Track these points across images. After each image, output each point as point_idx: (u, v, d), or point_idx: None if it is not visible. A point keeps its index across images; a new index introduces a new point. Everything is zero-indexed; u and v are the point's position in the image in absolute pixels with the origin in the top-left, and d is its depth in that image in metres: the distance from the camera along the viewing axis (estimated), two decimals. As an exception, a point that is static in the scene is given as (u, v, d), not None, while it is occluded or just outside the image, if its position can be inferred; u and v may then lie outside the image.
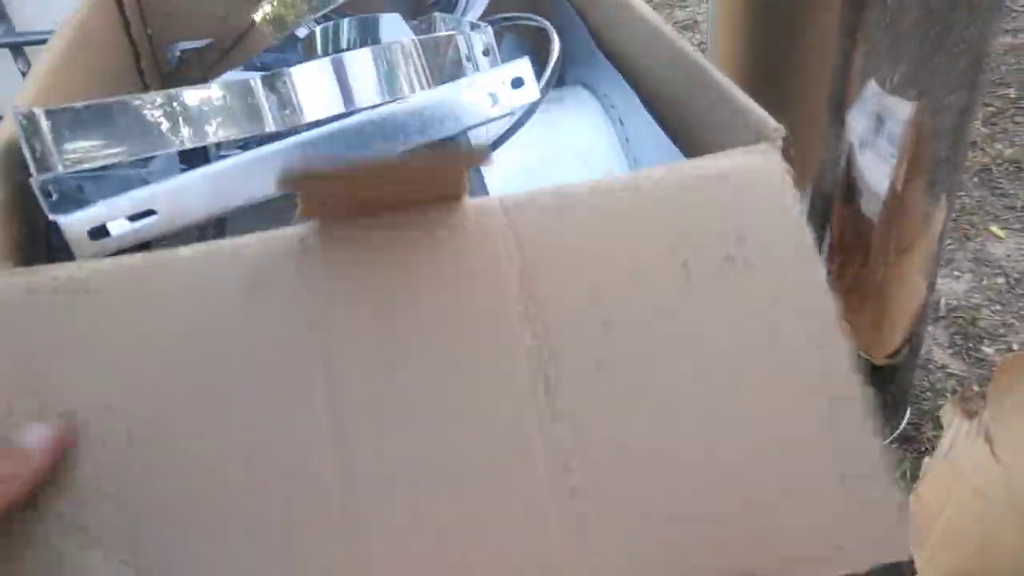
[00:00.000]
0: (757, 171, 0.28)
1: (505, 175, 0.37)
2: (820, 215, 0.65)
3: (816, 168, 0.63)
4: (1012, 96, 1.27)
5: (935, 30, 0.55)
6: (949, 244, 0.96)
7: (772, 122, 0.28)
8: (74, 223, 0.29)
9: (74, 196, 0.31)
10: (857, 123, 0.60)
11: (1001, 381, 0.67)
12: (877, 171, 0.62)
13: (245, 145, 0.36)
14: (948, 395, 0.79)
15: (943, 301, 0.90)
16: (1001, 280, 0.93)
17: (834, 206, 0.64)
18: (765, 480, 0.25)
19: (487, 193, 0.35)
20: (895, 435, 0.75)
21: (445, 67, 0.37)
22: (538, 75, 0.34)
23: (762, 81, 0.63)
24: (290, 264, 0.25)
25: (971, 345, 0.85)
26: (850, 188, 0.63)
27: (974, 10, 0.55)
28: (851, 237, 0.65)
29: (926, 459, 0.62)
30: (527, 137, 0.36)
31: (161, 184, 0.30)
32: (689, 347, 0.26)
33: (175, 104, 0.33)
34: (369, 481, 0.24)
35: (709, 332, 0.26)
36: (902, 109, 0.59)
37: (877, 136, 0.61)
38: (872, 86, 0.58)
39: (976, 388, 0.65)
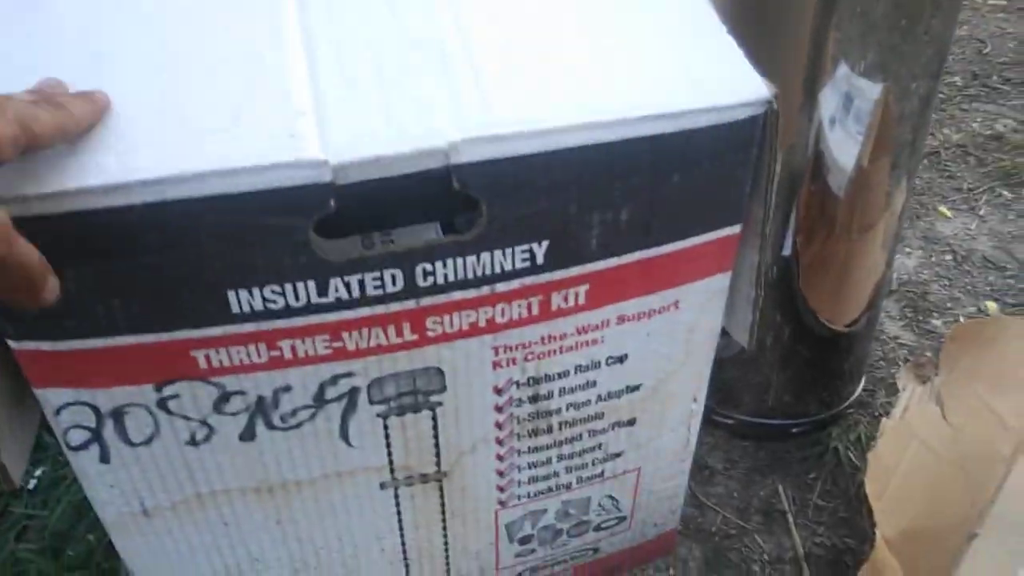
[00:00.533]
0: None
1: None
2: (787, 192, 0.68)
3: (786, 146, 0.66)
4: (959, 84, 1.33)
5: (903, 21, 0.59)
6: (901, 223, 1.00)
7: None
8: None
9: None
10: (828, 102, 0.63)
11: (951, 349, 0.72)
12: (844, 149, 0.65)
13: None
14: (900, 364, 0.84)
15: (895, 276, 0.95)
16: (949, 257, 0.99)
17: (802, 184, 0.67)
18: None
19: None
20: (851, 400, 0.80)
21: None
22: None
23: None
24: None
25: (921, 318, 0.91)
26: (818, 165, 0.66)
27: (939, 4, 0.58)
28: (816, 214, 0.68)
29: (882, 420, 0.66)
30: None
31: None
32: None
33: None
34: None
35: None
36: (871, 90, 0.62)
37: (846, 115, 0.64)
38: (843, 67, 0.62)
39: (928, 355, 0.70)
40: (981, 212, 1.06)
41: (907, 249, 1.00)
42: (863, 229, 0.70)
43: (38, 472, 0.75)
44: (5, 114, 0.30)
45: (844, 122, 0.65)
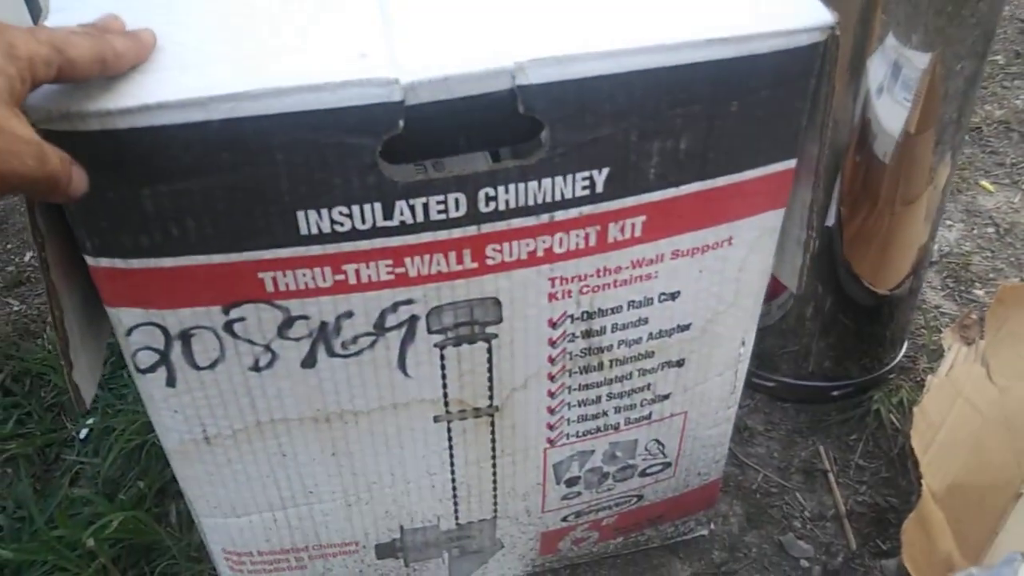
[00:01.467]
0: None
1: None
2: (832, 165, 0.68)
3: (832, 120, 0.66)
4: (1001, 63, 1.32)
5: (950, 5, 0.59)
6: (942, 196, 1.00)
7: None
8: None
9: None
10: (875, 70, 0.63)
11: (997, 311, 0.71)
12: (892, 115, 0.65)
13: None
14: (942, 332, 0.83)
15: (936, 248, 0.95)
16: (991, 230, 0.98)
17: (847, 156, 0.67)
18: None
19: None
20: (893, 365, 0.79)
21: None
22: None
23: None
24: None
25: (963, 288, 0.90)
26: (864, 136, 0.66)
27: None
28: (860, 187, 0.68)
29: (928, 377, 0.66)
30: None
31: None
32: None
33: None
34: None
35: None
36: (919, 59, 0.62)
37: (894, 82, 0.64)
38: (891, 38, 0.62)
39: (973, 317, 0.70)
40: (1024, 186, 1.05)
41: (948, 222, 0.99)
42: (906, 202, 0.70)
43: (90, 421, 0.77)
44: (38, 36, 0.31)
45: (892, 90, 0.65)
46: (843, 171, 0.67)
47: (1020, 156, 1.10)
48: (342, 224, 0.39)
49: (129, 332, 0.42)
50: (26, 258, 1.01)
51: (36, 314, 0.92)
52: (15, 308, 0.93)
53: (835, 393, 0.78)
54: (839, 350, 0.77)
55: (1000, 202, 1.02)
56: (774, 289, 0.76)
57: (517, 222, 0.41)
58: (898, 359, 0.80)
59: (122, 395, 0.80)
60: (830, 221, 0.70)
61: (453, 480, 0.53)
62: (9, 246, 1.04)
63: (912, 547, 0.56)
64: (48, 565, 0.64)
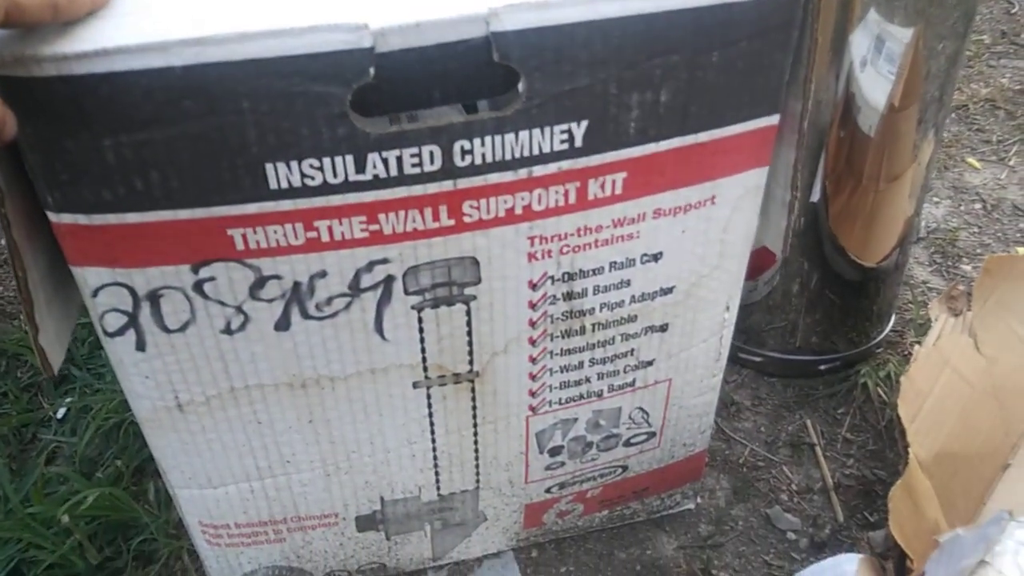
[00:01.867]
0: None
1: None
2: (816, 142, 0.67)
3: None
4: (986, 42, 1.32)
5: None
6: (930, 173, 0.99)
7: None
8: None
9: None
10: (859, 44, 0.63)
11: (984, 282, 0.71)
12: (876, 89, 0.65)
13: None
14: (928, 306, 0.83)
15: (923, 224, 0.94)
16: (978, 206, 0.97)
17: (831, 131, 0.67)
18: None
19: None
20: (880, 339, 0.79)
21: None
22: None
23: None
24: None
25: (950, 263, 0.90)
26: (847, 110, 0.65)
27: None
28: (844, 164, 0.68)
29: (915, 347, 0.65)
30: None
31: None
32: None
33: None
34: None
35: None
36: (902, 33, 0.62)
37: (877, 55, 0.64)
38: (873, 13, 0.61)
39: (961, 288, 0.69)
40: (1011, 163, 1.04)
41: (935, 199, 0.99)
42: (891, 178, 0.69)
43: (67, 401, 0.76)
44: None
45: (876, 63, 0.64)
46: (827, 147, 0.67)
47: (1006, 133, 1.10)
48: (313, 178, 0.38)
49: (95, 293, 0.41)
50: (1, 242, 0.99)
51: (12, 296, 0.91)
52: (-8, 289, 0.92)
53: (822, 367, 0.78)
54: (826, 325, 0.76)
55: (987, 179, 1.02)
56: (760, 265, 0.75)
57: (494, 177, 0.40)
58: (885, 333, 0.79)
59: (100, 374, 0.78)
60: (815, 197, 0.70)
61: (434, 449, 0.52)
62: (-14, 228, 1.02)
63: (899, 514, 0.55)
64: (23, 543, 0.62)
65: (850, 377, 0.77)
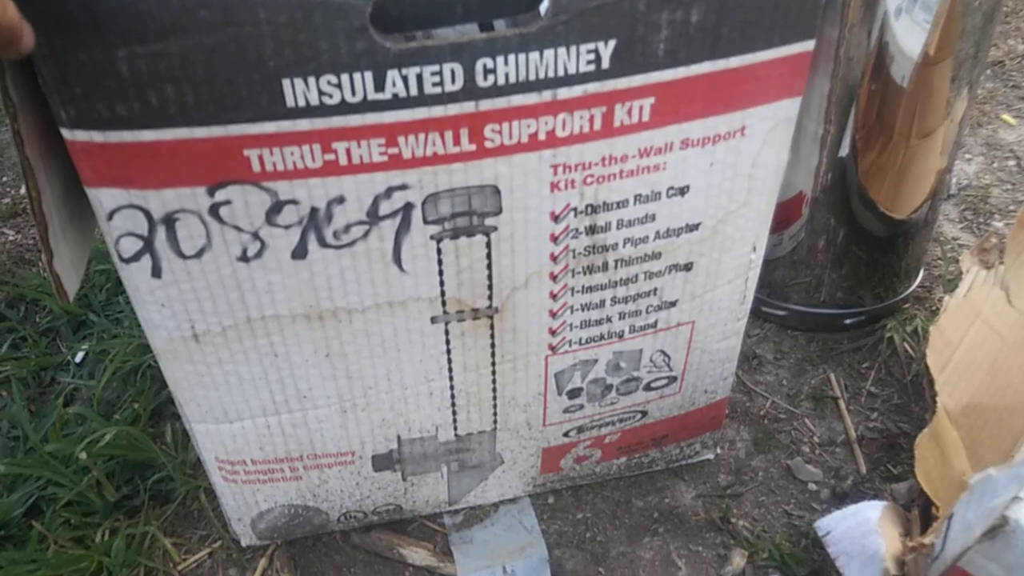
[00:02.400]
0: None
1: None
2: (847, 96, 0.65)
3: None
4: (1025, -1, 1.28)
5: None
6: (961, 130, 0.97)
7: None
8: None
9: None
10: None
11: (1018, 235, 0.69)
12: (910, 37, 0.63)
13: None
14: (958, 262, 0.81)
15: (954, 181, 0.92)
16: (1012, 163, 0.95)
17: (862, 84, 0.64)
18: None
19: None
20: (907, 294, 0.77)
21: None
22: None
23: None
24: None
25: (981, 220, 0.88)
26: (880, 60, 0.63)
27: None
28: (874, 120, 0.66)
29: (945, 298, 0.64)
30: None
31: None
32: None
33: None
34: None
35: None
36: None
37: (913, 3, 0.62)
38: None
39: (993, 240, 0.67)
40: (1047, 121, 1.01)
41: (967, 155, 0.96)
42: (922, 134, 0.67)
43: (85, 346, 0.76)
44: None
45: (911, 11, 0.62)
46: (858, 101, 0.65)
47: (1043, 91, 1.07)
48: (331, 95, 0.37)
49: (111, 216, 0.40)
50: (21, 190, 0.99)
51: (31, 244, 0.91)
52: (11, 238, 0.92)
53: (847, 321, 0.76)
54: (852, 280, 0.75)
55: (1021, 135, 0.99)
56: (786, 219, 0.74)
57: (517, 99, 0.39)
58: (912, 288, 0.78)
59: (117, 320, 0.78)
60: (844, 152, 0.68)
61: (452, 387, 0.52)
62: (4, 179, 1.02)
63: (925, 462, 0.54)
64: (42, 480, 0.63)
65: (875, 332, 0.75)
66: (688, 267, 0.50)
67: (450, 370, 0.51)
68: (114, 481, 0.63)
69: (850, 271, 0.74)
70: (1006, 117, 1.02)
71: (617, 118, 0.41)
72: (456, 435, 0.55)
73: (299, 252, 0.43)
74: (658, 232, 0.47)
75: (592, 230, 0.46)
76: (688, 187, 0.46)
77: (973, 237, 0.86)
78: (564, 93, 0.40)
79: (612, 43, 0.38)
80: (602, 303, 0.50)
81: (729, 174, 0.46)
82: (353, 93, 0.37)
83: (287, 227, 0.42)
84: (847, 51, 0.65)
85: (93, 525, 0.61)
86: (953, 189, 0.91)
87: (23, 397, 0.71)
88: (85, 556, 0.58)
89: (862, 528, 0.54)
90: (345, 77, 0.37)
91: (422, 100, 0.38)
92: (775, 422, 0.69)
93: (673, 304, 0.52)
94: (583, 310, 0.50)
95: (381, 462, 0.55)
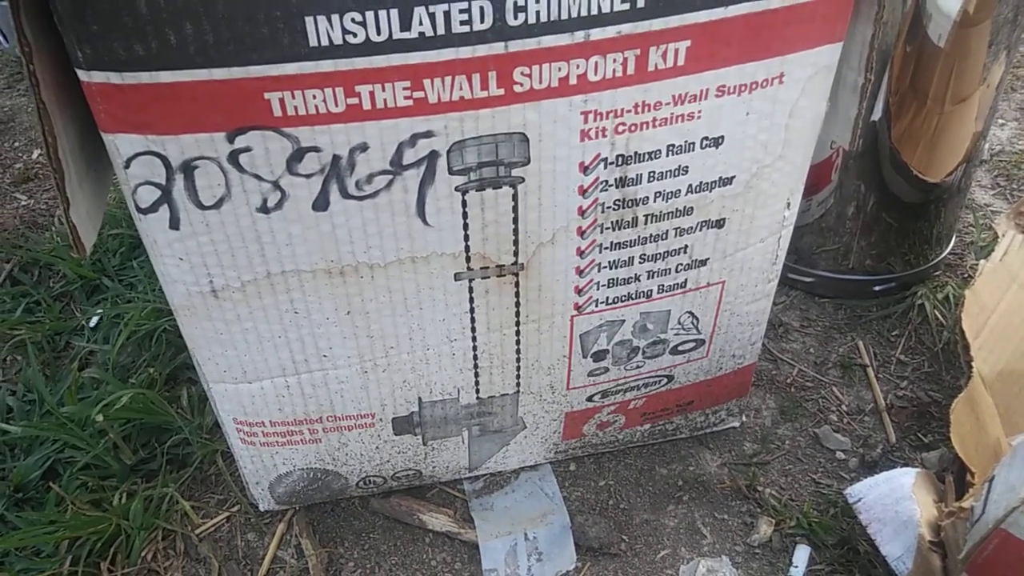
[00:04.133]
0: None
1: None
2: (881, 60, 0.63)
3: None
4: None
5: None
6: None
7: None
8: None
9: None
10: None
11: (1056, 198, 0.67)
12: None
13: None
14: (991, 229, 0.79)
15: (987, 147, 0.90)
16: (1045, 129, 0.92)
17: (897, 45, 0.62)
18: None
19: None
20: (938, 261, 0.75)
21: None
22: None
23: None
24: None
25: (1015, 187, 0.85)
26: (916, 20, 0.61)
27: None
28: (908, 85, 0.63)
29: (980, 262, 0.62)
30: None
31: None
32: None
33: None
34: None
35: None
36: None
37: None
38: None
39: (1031, 204, 0.65)
40: (1081, 88, 0.99)
41: (1000, 121, 0.93)
42: (957, 100, 0.65)
43: (99, 310, 0.75)
44: None
45: None
46: (892, 64, 0.62)
47: (1077, 58, 1.04)
48: (355, 34, 0.36)
49: (128, 163, 0.39)
50: (34, 155, 0.98)
51: (44, 208, 0.90)
52: (23, 203, 0.91)
53: (877, 288, 0.74)
54: (882, 247, 0.73)
55: (1055, 103, 0.97)
56: (815, 184, 0.72)
57: (548, 40, 0.37)
58: (944, 255, 0.76)
59: (132, 284, 0.77)
60: (877, 115, 0.66)
61: (474, 348, 0.50)
62: (17, 144, 1.01)
63: (960, 428, 0.53)
64: (59, 443, 0.62)
65: (906, 299, 0.73)
66: (720, 224, 0.48)
67: (473, 330, 0.49)
68: (131, 444, 0.63)
69: (880, 237, 0.73)
70: (1039, 83, 0.99)
71: (651, 62, 0.40)
72: (478, 398, 0.54)
73: (320, 203, 0.41)
74: (690, 186, 0.46)
75: (622, 183, 0.44)
76: (723, 138, 0.44)
77: (1006, 203, 0.84)
78: (597, 34, 0.38)
79: (648, -20, 0.37)
80: (630, 260, 0.48)
81: (765, 125, 0.44)
82: (378, 31, 0.36)
83: (308, 176, 0.40)
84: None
85: (110, 488, 0.60)
86: (986, 155, 0.89)
87: (38, 361, 0.71)
88: (103, 518, 0.57)
89: (895, 494, 0.52)
90: (370, 14, 0.35)
91: (450, 40, 0.37)
92: (802, 390, 0.68)
93: (703, 263, 0.50)
94: (611, 268, 0.48)
95: (401, 425, 0.54)
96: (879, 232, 0.72)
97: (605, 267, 0.48)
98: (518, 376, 0.53)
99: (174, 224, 0.41)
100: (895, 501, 0.52)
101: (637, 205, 0.46)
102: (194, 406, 0.66)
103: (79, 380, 0.67)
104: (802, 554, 0.56)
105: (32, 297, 0.78)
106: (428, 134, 0.40)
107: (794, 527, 0.57)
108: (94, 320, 0.75)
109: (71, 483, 0.60)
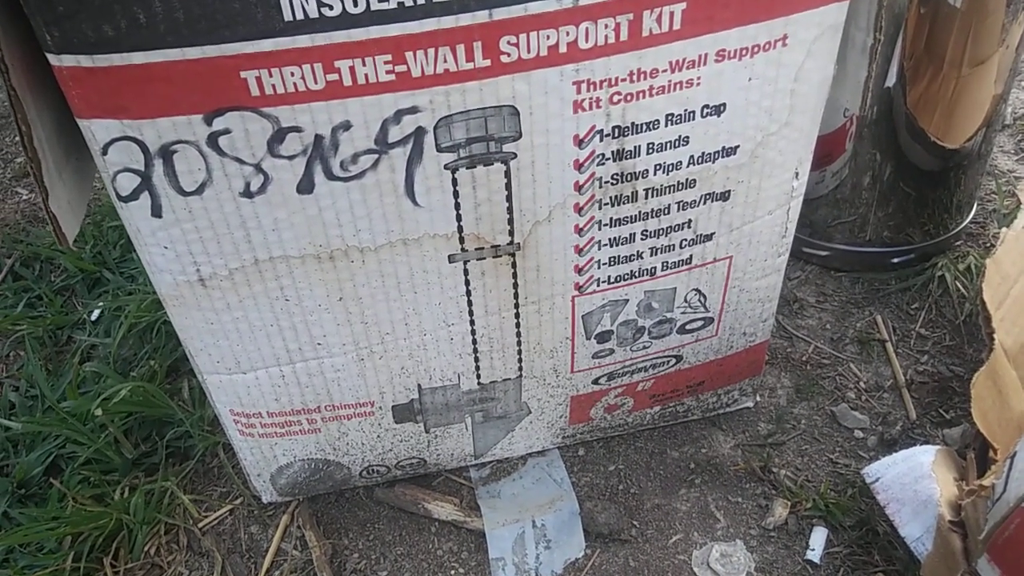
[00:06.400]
0: None
1: None
2: (895, 23, 0.60)
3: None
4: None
5: None
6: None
7: None
8: None
9: None
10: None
11: (1081, 161, 0.64)
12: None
13: None
14: (1015, 195, 0.76)
15: (1009, 110, 0.86)
16: (1069, 91, 0.89)
17: (910, 10, 0.59)
18: None
19: None
20: (959, 230, 0.72)
21: None
22: None
23: None
24: None
25: (1037, 152, 0.82)
26: None
27: None
28: (924, 48, 0.61)
29: (1002, 230, 0.59)
30: None
31: None
32: None
33: None
34: None
35: None
36: None
37: None
38: None
39: (1054, 169, 0.62)
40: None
41: (1022, 83, 0.90)
42: (975, 63, 0.62)
43: (100, 304, 0.74)
44: None
45: None
46: (906, 26, 0.59)
47: (1102, 16, 1.00)
48: (331, 6, 0.34)
49: (105, 150, 0.38)
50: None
51: (48, 203, 0.89)
52: (24, 197, 0.90)
53: (895, 260, 0.72)
54: (899, 218, 0.70)
55: (1079, 64, 0.93)
56: (828, 154, 0.69)
57: (535, 6, 0.36)
58: (965, 224, 0.73)
59: (132, 277, 0.77)
60: (891, 81, 0.63)
61: (473, 332, 0.49)
62: (17, 138, 1.00)
63: (982, 403, 0.51)
64: (61, 438, 0.61)
65: (926, 271, 0.71)
66: (725, 196, 0.46)
67: (471, 313, 0.48)
68: (132, 438, 0.62)
69: (898, 208, 0.70)
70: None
71: (645, 26, 0.38)
72: (479, 383, 0.53)
73: (305, 186, 0.40)
74: (692, 157, 0.44)
75: (620, 155, 0.42)
76: (724, 105, 0.42)
77: (1028, 171, 0.81)
78: (587, -2, 0.36)
79: (639, -62, 0.35)
80: (632, 237, 0.47)
81: (769, 90, 0.42)
82: (355, 3, 0.34)
83: (291, 158, 0.39)
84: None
85: (112, 482, 0.60)
86: (1008, 119, 0.85)
87: (40, 356, 0.70)
88: (105, 513, 0.56)
89: (914, 473, 0.50)
90: (346, -16, 0.33)
91: (431, 9, 0.35)
92: (818, 368, 0.65)
93: (709, 238, 0.48)
94: (611, 245, 0.47)
95: (402, 413, 0.53)
96: (896, 202, 0.69)
97: (605, 245, 0.46)
98: (520, 360, 0.52)
99: (156, 212, 0.40)
100: (914, 480, 0.50)
101: (636, 179, 0.44)
102: (195, 398, 0.65)
103: (80, 374, 0.67)
104: (819, 536, 0.55)
105: (33, 292, 0.77)
106: (413, 110, 0.38)
107: (810, 509, 0.56)
108: (95, 313, 0.74)
109: (73, 478, 0.60)
